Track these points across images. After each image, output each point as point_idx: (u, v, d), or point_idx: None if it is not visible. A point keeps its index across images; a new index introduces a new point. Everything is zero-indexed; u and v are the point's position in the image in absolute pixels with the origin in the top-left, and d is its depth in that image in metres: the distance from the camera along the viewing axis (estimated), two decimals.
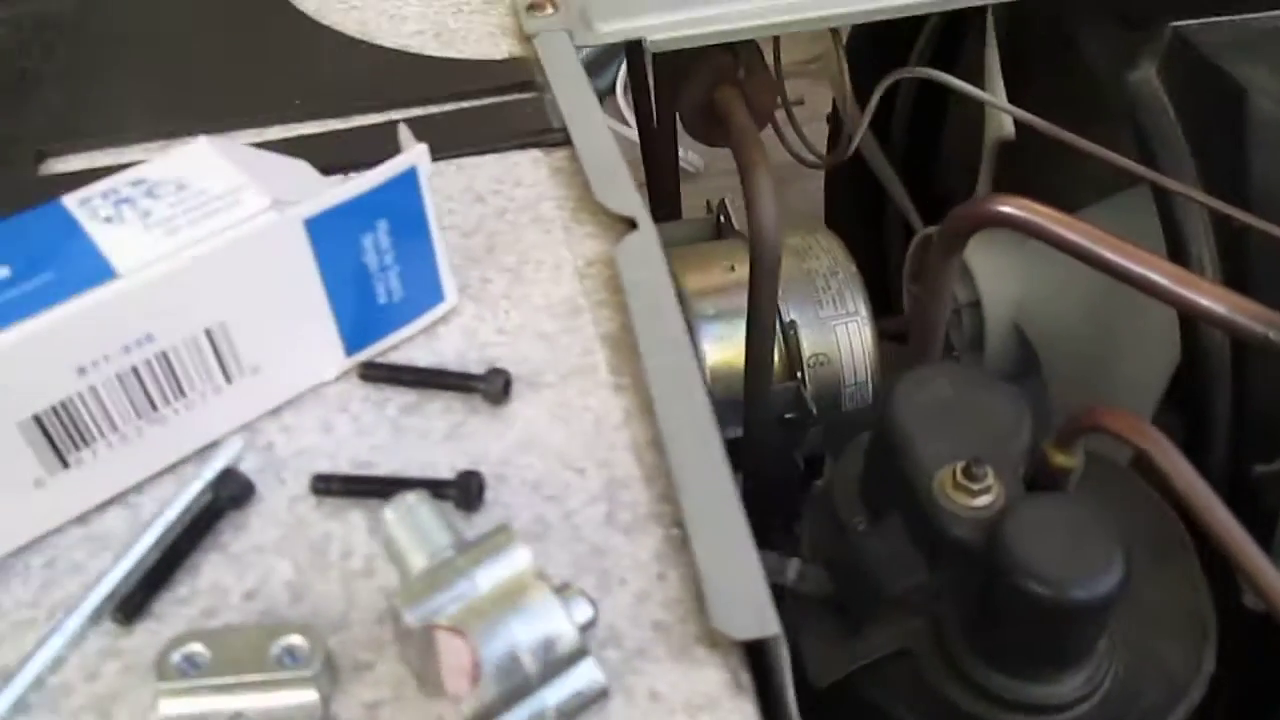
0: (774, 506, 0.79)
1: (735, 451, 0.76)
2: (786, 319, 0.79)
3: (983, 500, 0.47)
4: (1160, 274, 0.51)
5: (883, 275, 1.10)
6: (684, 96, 0.67)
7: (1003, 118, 0.78)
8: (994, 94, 0.76)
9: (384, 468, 0.37)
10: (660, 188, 1.03)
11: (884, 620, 0.51)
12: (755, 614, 0.31)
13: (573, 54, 0.54)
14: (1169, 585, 0.53)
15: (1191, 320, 0.62)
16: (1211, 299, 0.50)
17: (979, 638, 0.48)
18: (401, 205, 0.38)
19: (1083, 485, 0.53)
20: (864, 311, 0.80)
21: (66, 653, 0.32)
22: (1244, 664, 0.56)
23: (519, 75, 0.54)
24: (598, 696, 0.29)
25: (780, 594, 0.55)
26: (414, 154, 0.37)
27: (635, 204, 0.45)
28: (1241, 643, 0.54)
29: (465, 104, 0.53)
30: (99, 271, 0.33)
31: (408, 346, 0.41)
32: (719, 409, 0.78)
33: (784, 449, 0.79)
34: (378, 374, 0.40)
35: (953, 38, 0.93)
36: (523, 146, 0.50)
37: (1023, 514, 0.45)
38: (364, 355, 0.40)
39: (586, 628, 0.29)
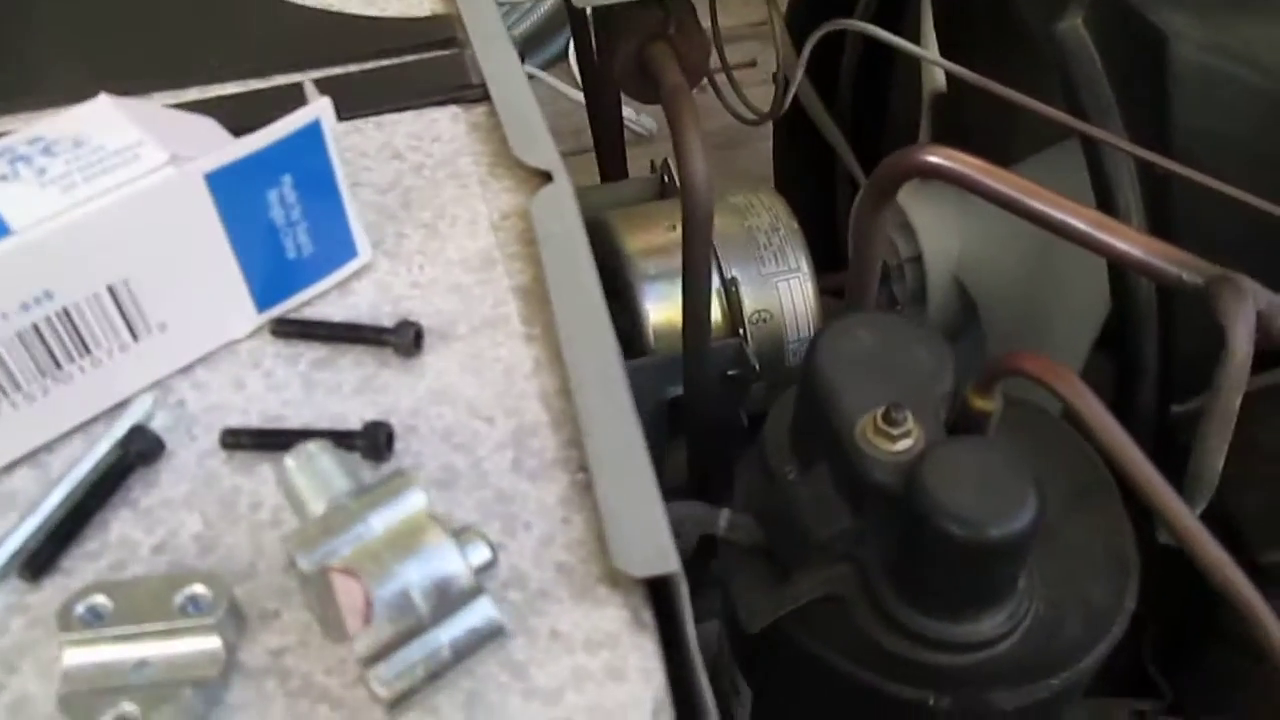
0: (717, 463, 0.79)
1: (678, 409, 0.77)
2: (728, 276, 0.80)
3: (902, 445, 0.48)
4: (1079, 220, 0.51)
5: (832, 233, 1.10)
6: (616, 54, 0.67)
7: (937, 71, 0.78)
8: (926, 47, 0.76)
9: (295, 422, 0.37)
10: (607, 149, 1.03)
11: (812, 566, 0.51)
12: (655, 552, 0.32)
13: (494, 9, 0.54)
14: (1092, 525, 0.54)
15: (1120, 268, 0.63)
16: (1128, 243, 0.51)
17: (902, 580, 0.49)
18: (307, 160, 0.38)
19: (1011, 430, 0.54)
20: (805, 268, 0.81)
21: None
22: (1166, 601, 0.57)
23: (441, 32, 0.54)
24: (494, 633, 0.29)
25: (713, 544, 0.55)
26: (316, 108, 0.37)
27: (551, 157, 0.45)
28: (1162, 579, 0.55)
29: (386, 61, 0.53)
30: None
31: (321, 302, 0.41)
32: (663, 367, 0.78)
33: (727, 406, 0.80)
34: (290, 330, 0.40)
35: None
36: (442, 103, 0.50)
37: (939, 457, 0.46)
38: (276, 311, 0.40)
39: (484, 569, 0.30)
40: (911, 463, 0.47)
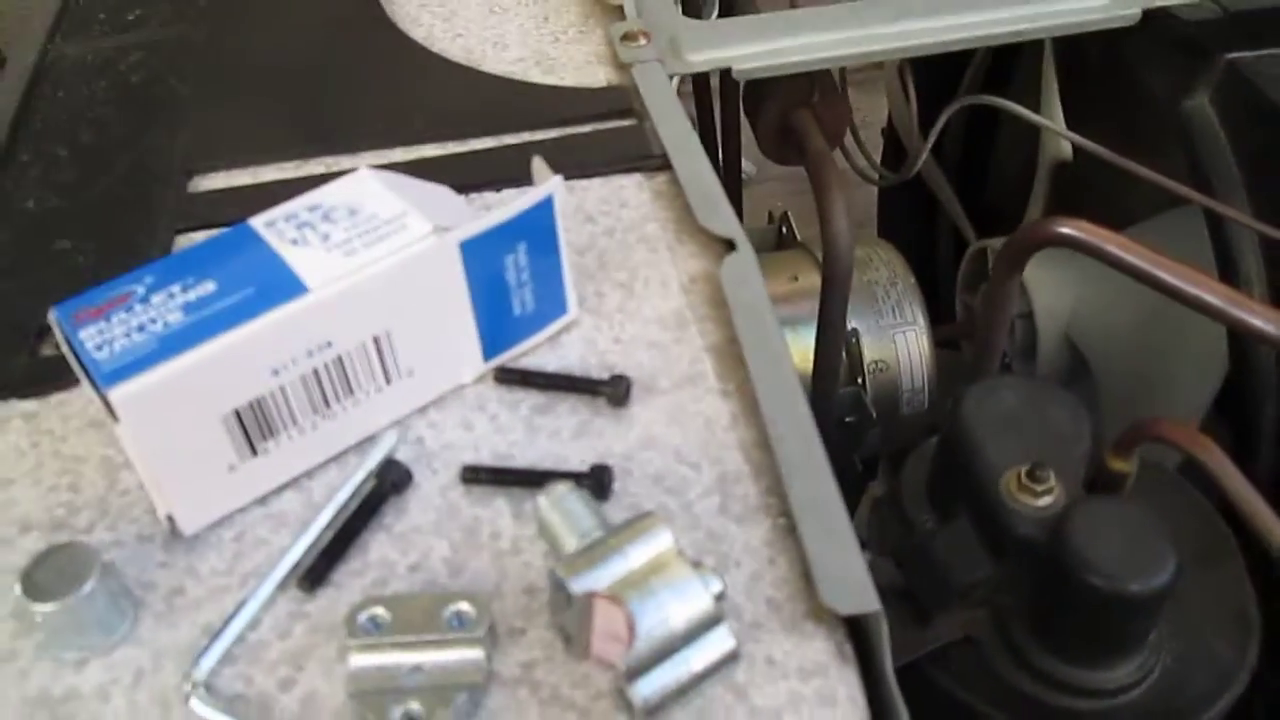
0: None
1: None
2: (849, 327, 0.84)
3: (1045, 500, 0.51)
4: (1214, 295, 0.55)
5: (933, 283, 1.14)
6: (760, 118, 0.72)
7: (1060, 140, 0.82)
8: (1051, 118, 0.80)
9: (521, 461, 0.42)
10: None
11: (951, 610, 0.55)
12: (859, 592, 0.36)
13: (667, 84, 0.59)
14: (1216, 584, 0.57)
15: (1241, 337, 0.66)
16: (1263, 320, 0.54)
17: (1039, 627, 0.52)
18: (539, 228, 0.43)
19: (1136, 489, 0.57)
20: (922, 321, 0.85)
21: (261, 614, 0.38)
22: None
23: (619, 103, 0.59)
24: (730, 658, 0.34)
25: None
26: (552, 184, 0.42)
27: (734, 227, 0.50)
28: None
29: (570, 129, 0.58)
30: (293, 287, 0.38)
31: (535, 353, 0.46)
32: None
33: (843, 451, 0.84)
34: (511, 378, 0.45)
35: (1007, 55, 0.97)
36: (626, 171, 0.55)
37: (1084, 514, 0.50)
38: (498, 361, 0.45)
39: (719, 599, 0.34)
40: (1054, 518, 0.51)
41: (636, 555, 0.33)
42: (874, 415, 0.81)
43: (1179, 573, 0.48)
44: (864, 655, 0.37)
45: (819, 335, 0.72)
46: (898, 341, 0.85)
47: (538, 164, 0.44)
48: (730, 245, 0.49)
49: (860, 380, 0.83)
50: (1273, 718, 0.68)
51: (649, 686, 0.32)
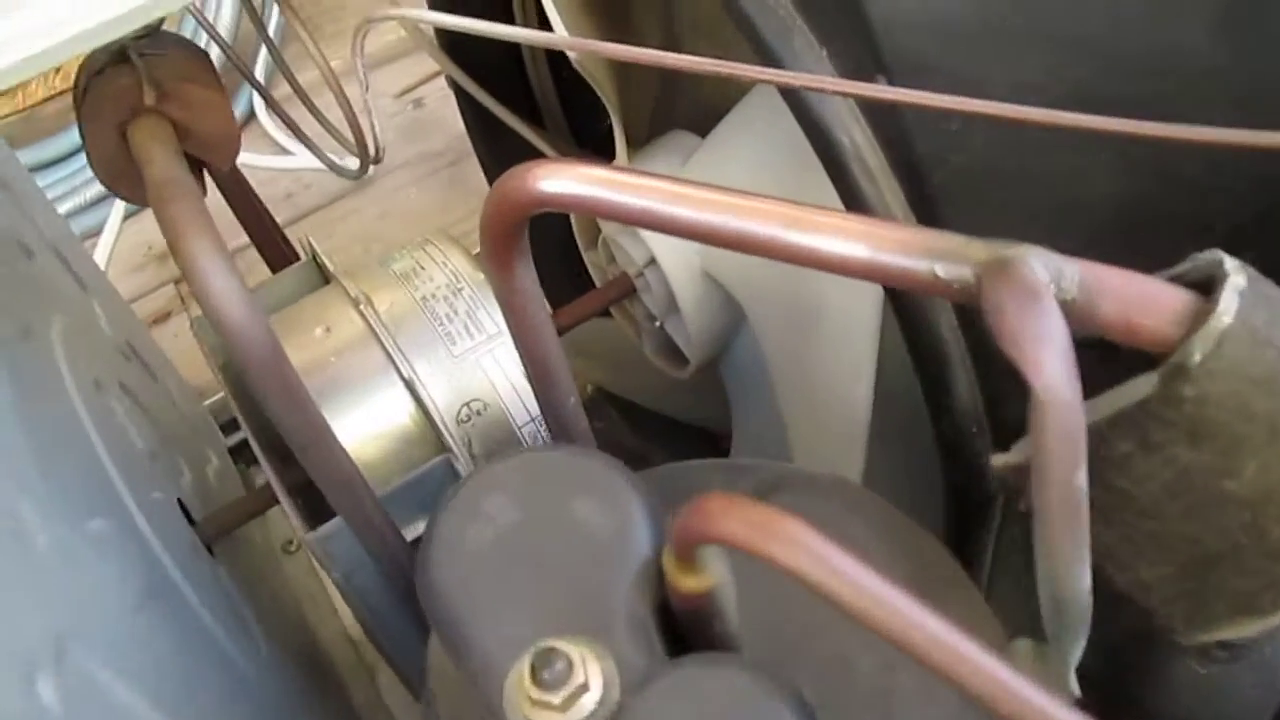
0: None
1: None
2: (406, 376, 0.59)
3: (578, 712, 0.28)
4: (766, 223, 0.32)
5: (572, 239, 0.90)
6: (93, 151, 0.45)
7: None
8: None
9: None
10: (262, 243, 0.81)
11: None
12: None
13: None
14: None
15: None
16: (840, 238, 0.31)
17: None
18: None
19: (834, 526, 0.34)
20: (506, 329, 0.59)
21: None
22: None
23: None
24: None
25: None
26: None
27: None
28: None
29: None
30: None
31: None
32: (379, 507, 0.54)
33: None
34: None
35: None
36: None
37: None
38: None
39: None
40: None
41: None
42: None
43: None
44: None
45: (293, 444, 0.46)
46: (486, 366, 0.60)
47: None
48: None
49: (449, 439, 0.58)
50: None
51: None
